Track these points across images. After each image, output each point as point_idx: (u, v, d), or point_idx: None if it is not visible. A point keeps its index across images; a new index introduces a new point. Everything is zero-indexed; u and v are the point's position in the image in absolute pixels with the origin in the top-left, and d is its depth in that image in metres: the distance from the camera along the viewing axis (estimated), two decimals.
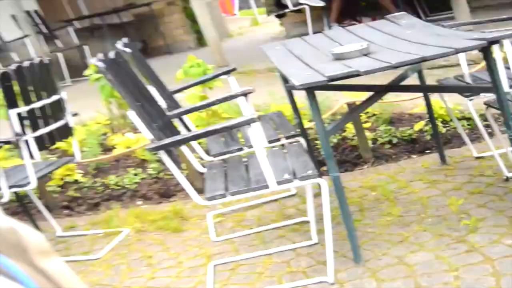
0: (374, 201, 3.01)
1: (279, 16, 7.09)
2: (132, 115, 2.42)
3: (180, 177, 2.43)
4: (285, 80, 2.92)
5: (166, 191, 3.81)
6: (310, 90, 2.21)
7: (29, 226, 0.45)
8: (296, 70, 2.46)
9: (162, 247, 3.07)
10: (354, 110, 3.15)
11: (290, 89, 3.00)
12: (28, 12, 7.89)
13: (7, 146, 3.67)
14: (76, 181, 4.04)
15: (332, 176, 2.26)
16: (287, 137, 2.81)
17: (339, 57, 2.45)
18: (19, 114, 3.04)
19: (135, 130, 4.44)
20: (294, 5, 6.05)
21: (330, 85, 2.40)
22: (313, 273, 2.39)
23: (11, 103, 2.99)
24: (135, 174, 3.99)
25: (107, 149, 4.46)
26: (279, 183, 2.24)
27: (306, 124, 3.47)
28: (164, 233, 3.22)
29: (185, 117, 3.13)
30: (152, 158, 4.10)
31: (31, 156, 3.00)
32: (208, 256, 2.82)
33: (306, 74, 2.29)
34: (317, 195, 2.73)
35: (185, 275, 2.70)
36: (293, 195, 3.25)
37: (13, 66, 3.10)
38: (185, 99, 3.89)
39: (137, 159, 4.21)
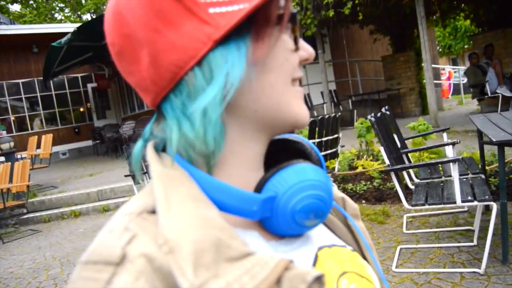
0: None
1: (479, 100, 7.56)
2: (381, 149, 2.70)
3: (399, 189, 2.55)
4: (480, 137, 2.93)
5: (381, 197, 3.95)
6: (502, 145, 2.23)
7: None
8: (493, 132, 2.46)
9: (369, 231, 3.22)
10: None
11: (483, 144, 2.99)
12: (330, 91, 9.16)
13: None
14: None
15: (501, 201, 2.22)
16: (473, 173, 2.76)
17: None
18: (313, 143, 3.36)
19: (372, 158, 4.77)
20: (492, 93, 6.86)
21: None
22: (469, 265, 2.36)
23: (311, 137, 3.42)
24: (364, 185, 4.22)
25: (352, 168, 4.76)
26: (463, 201, 2.23)
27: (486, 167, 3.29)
28: (372, 223, 3.35)
29: (408, 154, 3.29)
30: (378, 176, 4.26)
31: None
32: (398, 242, 2.88)
33: (501, 135, 2.32)
34: (483, 213, 2.67)
35: (380, 251, 2.78)
36: (465, 211, 3.14)
37: (318, 118, 3.51)
38: (411, 144, 4.09)
39: (369, 175, 4.41)
